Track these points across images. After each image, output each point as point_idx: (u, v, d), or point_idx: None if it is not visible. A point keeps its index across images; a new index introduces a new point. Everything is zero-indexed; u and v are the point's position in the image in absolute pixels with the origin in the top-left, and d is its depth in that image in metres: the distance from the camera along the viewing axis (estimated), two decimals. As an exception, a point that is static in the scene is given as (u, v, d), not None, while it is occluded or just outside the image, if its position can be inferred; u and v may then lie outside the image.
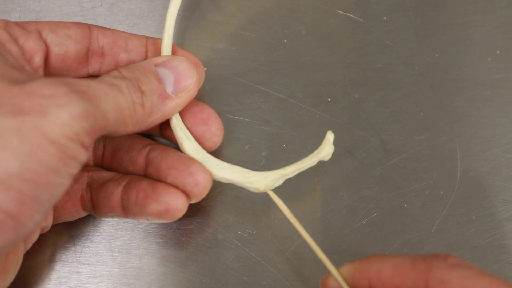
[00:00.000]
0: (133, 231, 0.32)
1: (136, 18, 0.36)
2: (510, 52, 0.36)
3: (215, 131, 0.31)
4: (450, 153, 0.34)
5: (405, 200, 0.33)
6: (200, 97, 0.34)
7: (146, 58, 0.31)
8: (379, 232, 0.32)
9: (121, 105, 0.25)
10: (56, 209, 0.30)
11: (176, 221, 0.31)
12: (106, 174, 0.30)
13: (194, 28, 0.32)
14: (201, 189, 0.28)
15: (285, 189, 0.31)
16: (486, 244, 0.32)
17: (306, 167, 0.30)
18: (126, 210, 0.29)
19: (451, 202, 0.33)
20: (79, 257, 0.31)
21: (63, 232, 0.32)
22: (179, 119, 0.30)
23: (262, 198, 0.32)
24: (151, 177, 0.29)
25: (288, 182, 0.33)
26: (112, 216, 0.30)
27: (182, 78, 0.29)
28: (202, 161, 0.29)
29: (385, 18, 0.37)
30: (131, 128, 0.26)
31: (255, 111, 0.34)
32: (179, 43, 0.36)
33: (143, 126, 0.27)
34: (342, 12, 0.37)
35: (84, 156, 0.23)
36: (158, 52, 0.31)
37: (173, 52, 0.31)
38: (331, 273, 0.27)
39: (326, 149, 0.30)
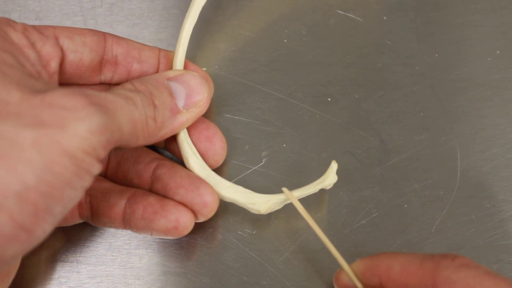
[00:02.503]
0: (133, 231, 0.32)
1: (136, 18, 0.36)
2: (510, 52, 0.36)
3: (218, 149, 0.31)
4: (450, 153, 0.34)
5: (405, 200, 0.33)
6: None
7: (158, 70, 0.31)
8: (379, 232, 0.32)
9: (135, 119, 0.25)
10: None
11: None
12: (106, 184, 0.30)
13: (194, 28, 0.32)
14: (209, 210, 0.29)
15: (285, 189, 0.31)
16: (486, 244, 0.32)
17: (309, 194, 0.31)
18: (128, 223, 0.29)
19: (451, 202, 0.33)
20: (79, 257, 0.31)
21: (63, 232, 0.32)
22: (186, 134, 0.30)
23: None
24: (157, 193, 0.29)
25: (289, 183, 0.33)
26: (110, 227, 0.30)
27: (194, 94, 0.29)
28: (206, 178, 0.30)
29: (385, 18, 0.37)
30: (142, 141, 0.27)
31: (255, 111, 0.34)
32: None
33: (153, 139, 0.27)
34: (342, 12, 0.37)
35: (98, 169, 0.23)
36: (170, 65, 0.31)
37: (185, 66, 0.31)
38: (342, 268, 0.28)
39: (330, 179, 0.31)
